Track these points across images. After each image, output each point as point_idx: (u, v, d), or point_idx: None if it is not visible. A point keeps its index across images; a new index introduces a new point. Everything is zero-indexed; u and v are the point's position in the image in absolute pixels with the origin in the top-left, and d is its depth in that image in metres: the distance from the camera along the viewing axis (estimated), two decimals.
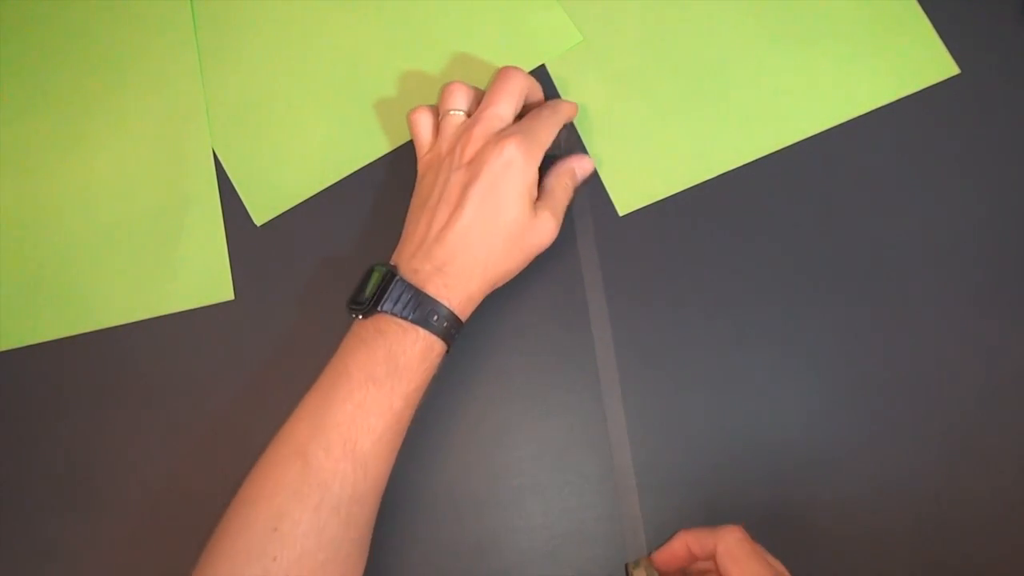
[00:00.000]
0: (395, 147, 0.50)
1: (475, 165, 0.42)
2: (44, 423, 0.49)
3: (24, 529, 0.48)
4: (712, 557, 0.38)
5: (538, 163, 0.43)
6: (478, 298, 0.43)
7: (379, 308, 0.40)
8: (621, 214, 0.48)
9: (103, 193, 0.52)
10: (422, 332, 0.40)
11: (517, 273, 0.44)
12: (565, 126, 0.48)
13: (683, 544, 0.40)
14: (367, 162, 0.50)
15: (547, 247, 0.44)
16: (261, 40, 0.53)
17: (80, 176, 0.53)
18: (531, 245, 0.43)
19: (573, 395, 0.46)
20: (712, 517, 0.43)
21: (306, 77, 0.52)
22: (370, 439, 0.39)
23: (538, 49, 0.50)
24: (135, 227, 0.51)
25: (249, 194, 0.51)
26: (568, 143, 0.49)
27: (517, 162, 0.42)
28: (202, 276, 0.50)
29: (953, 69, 0.47)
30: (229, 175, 0.51)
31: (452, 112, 0.45)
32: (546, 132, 0.44)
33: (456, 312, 0.41)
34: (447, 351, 0.42)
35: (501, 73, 0.45)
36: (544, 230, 0.43)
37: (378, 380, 0.39)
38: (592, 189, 0.49)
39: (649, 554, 0.43)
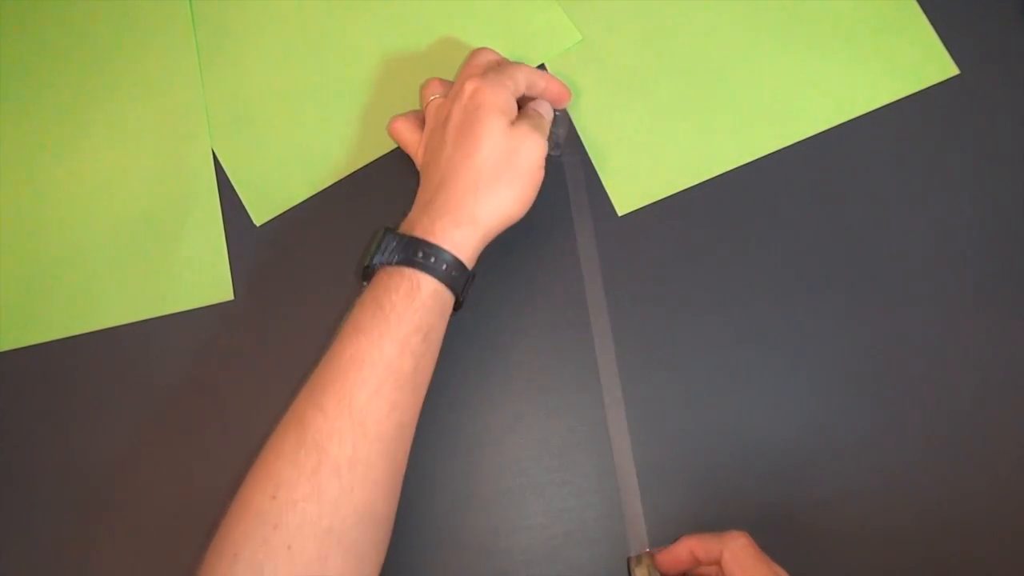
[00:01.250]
0: (395, 147, 0.50)
1: (452, 113, 0.43)
2: (44, 423, 0.49)
3: (25, 529, 0.48)
4: (717, 562, 0.38)
5: (508, 93, 0.43)
6: (471, 228, 0.41)
7: (372, 263, 0.40)
8: (620, 214, 0.48)
9: (103, 193, 0.52)
10: (407, 271, 0.39)
11: (519, 203, 0.42)
12: (564, 124, 0.49)
13: (687, 549, 0.40)
14: (367, 162, 0.50)
15: (540, 167, 0.42)
16: (260, 41, 0.53)
17: (80, 176, 0.53)
18: (521, 162, 0.42)
19: (573, 395, 0.46)
20: (712, 516, 0.43)
21: (306, 77, 0.52)
22: (365, 393, 0.38)
23: (538, 49, 0.50)
24: (135, 227, 0.51)
25: (249, 194, 0.51)
26: (568, 140, 0.49)
27: (484, 89, 0.42)
28: (202, 276, 0.50)
29: (953, 69, 0.47)
30: (229, 175, 0.51)
31: (433, 98, 0.45)
32: (519, 72, 0.44)
33: (446, 247, 0.40)
34: (456, 297, 0.41)
35: (470, 53, 0.46)
36: (529, 143, 0.42)
37: (364, 329, 0.39)
38: (591, 189, 0.49)
39: (651, 550, 0.43)
